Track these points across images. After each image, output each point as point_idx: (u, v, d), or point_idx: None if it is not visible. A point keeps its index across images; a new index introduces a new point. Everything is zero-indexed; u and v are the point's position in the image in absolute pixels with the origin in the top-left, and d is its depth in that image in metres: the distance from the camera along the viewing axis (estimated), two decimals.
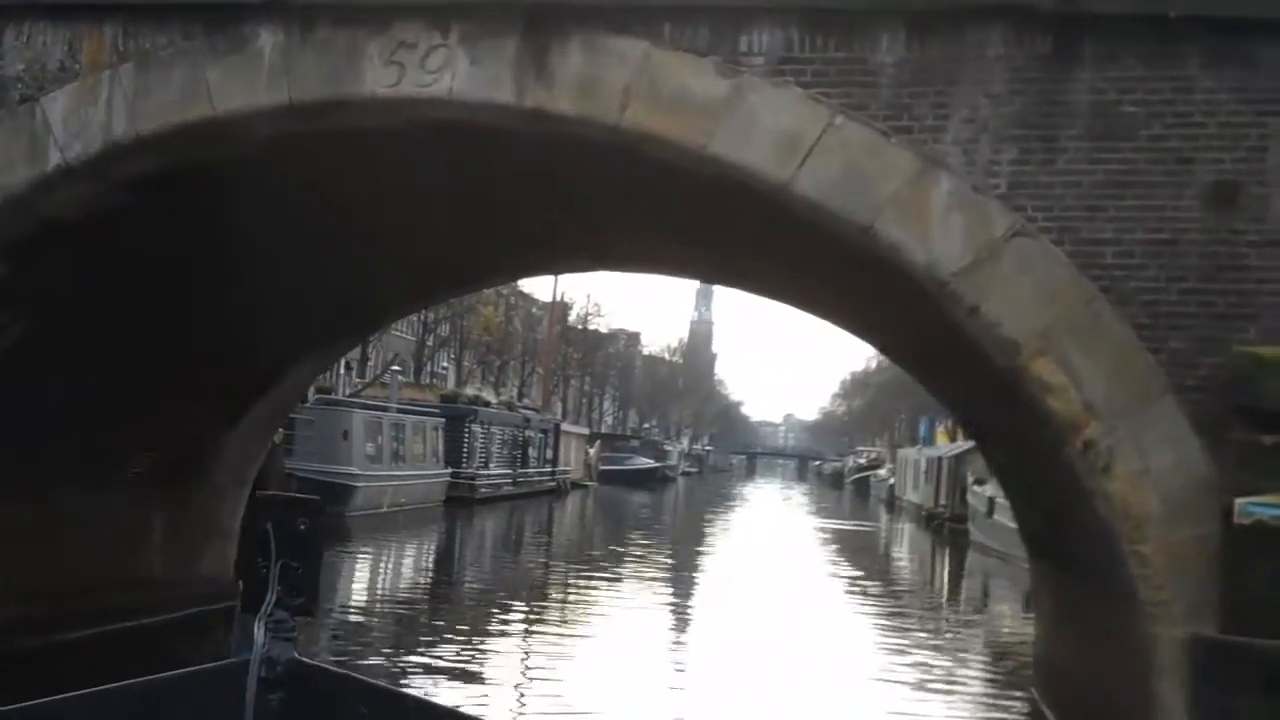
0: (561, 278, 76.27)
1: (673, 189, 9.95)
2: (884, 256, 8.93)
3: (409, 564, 31.15)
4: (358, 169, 11.19)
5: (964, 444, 60.64)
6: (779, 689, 16.23)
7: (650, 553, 37.07)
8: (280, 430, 17.68)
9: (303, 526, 5.65)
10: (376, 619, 20.60)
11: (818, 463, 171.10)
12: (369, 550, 31.82)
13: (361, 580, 26.15)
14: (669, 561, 35.24)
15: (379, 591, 25.11)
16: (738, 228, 10.88)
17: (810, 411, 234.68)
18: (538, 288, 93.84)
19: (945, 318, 9.25)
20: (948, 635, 24.39)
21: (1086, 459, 8.42)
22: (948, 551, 46.27)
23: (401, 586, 26.23)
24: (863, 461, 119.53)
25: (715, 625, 22.61)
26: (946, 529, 51.55)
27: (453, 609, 23.04)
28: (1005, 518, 38.79)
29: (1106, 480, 8.36)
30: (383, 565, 30.12)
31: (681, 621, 23.42)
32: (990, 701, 16.41)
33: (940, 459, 58.28)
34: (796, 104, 9.14)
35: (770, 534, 51.26)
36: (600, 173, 10.39)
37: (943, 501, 55.46)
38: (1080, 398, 8.56)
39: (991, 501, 41.34)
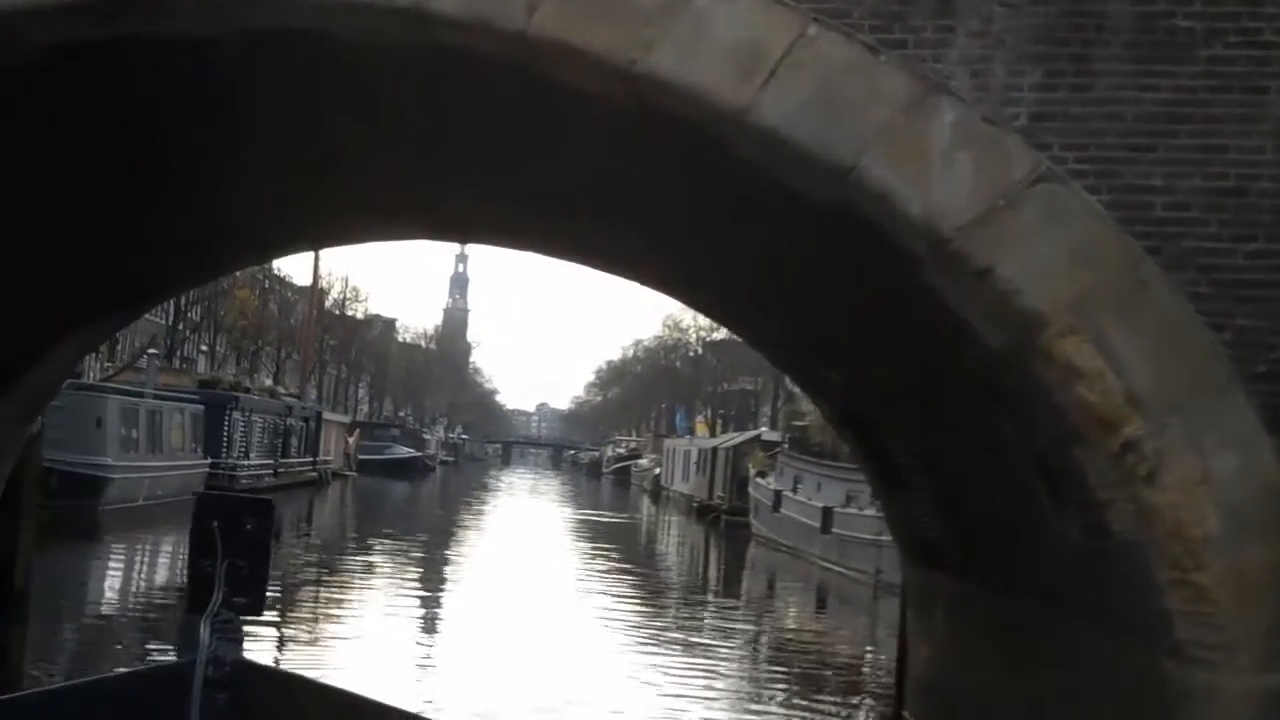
0: (314, 258, 74.25)
1: (581, 132, 8.07)
2: (864, 211, 7.12)
3: (164, 563, 28.66)
4: (156, 98, 8.88)
5: (738, 435, 60.16)
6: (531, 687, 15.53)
7: (418, 547, 35.94)
8: (40, 419, 15.21)
9: (249, 526, 5.54)
10: (127, 625, 18.73)
11: (572, 452, 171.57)
12: (121, 547, 29.33)
13: (113, 582, 23.72)
14: (438, 555, 34.41)
15: (131, 594, 22.75)
16: (658, 192, 8.98)
17: (563, 401, 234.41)
18: (295, 270, 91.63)
19: (898, 288, 7.59)
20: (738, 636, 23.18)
21: (1122, 465, 6.69)
22: (723, 545, 45.37)
23: (157, 588, 23.79)
24: (622, 451, 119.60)
25: (477, 624, 21.58)
26: (723, 522, 50.64)
27: None
28: (796, 512, 37.87)
29: (1149, 491, 6.63)
30: (137, 563, 27.65)
31: (447, 619, 22.57)
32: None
33: (715, 450, 57.46)
34: (758, 8, 7.22)
35: (536, 524, 50.00)
36: (482, 112, 8.45)
37: (719, 493, 54.55)
38: (1121, 387, 6.81)
39: (778, 495, 40.44)
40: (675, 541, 49.71)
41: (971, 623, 10.66)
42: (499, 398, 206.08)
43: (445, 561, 33.02)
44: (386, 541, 36.32)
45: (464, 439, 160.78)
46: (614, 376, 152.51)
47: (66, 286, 13.03)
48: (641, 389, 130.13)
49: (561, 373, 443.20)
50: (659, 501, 75.95)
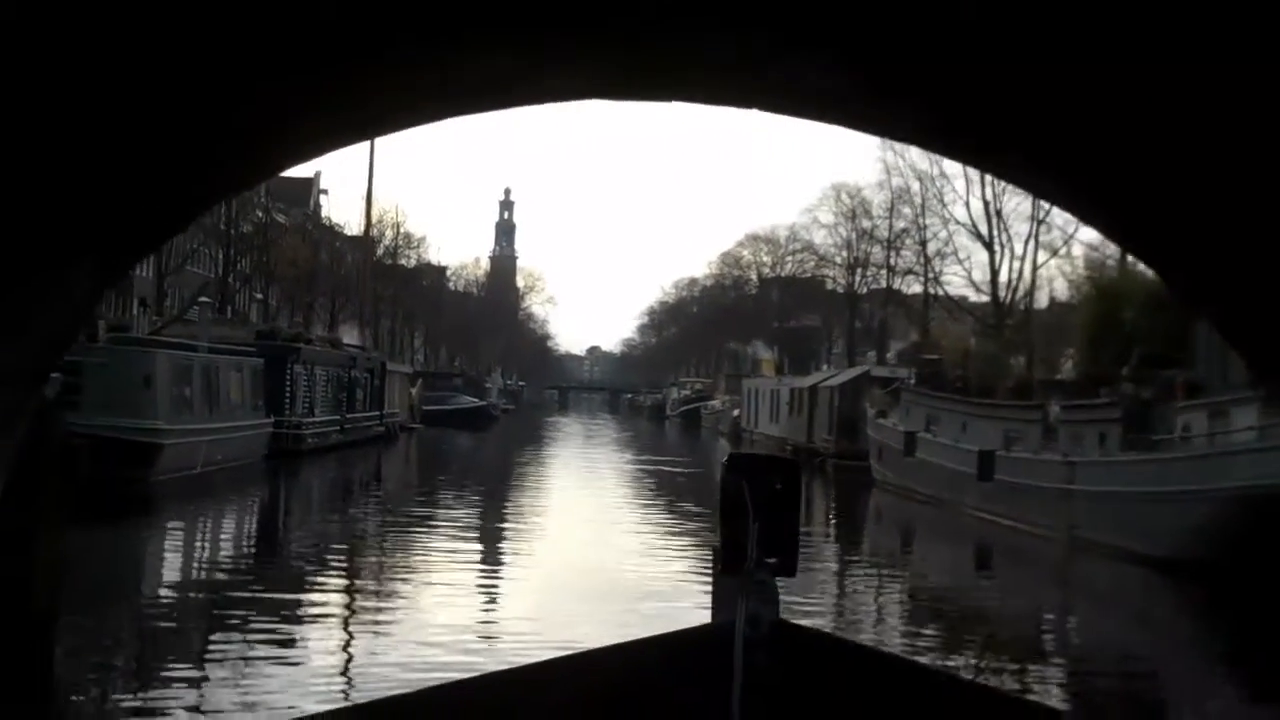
0: (367, 203, 70.73)
1: None
2: None
3: (231, 543, 24.55)
4: None
5: (846, 371, 55.59)
6: None
7: (509, 506, 32.86)
8: (57, 377, 10.78)
9: (778, 485, 5.58)
10: (187, 638, 14.46)
11: (630, 395, 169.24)
12: (179, 526, 25.22)
13: (170, 573, 19.55)
14: (533, 512, 31.44)
15: (194, 586, 18.53)
16: None
17: (614, 344, 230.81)
18: (344, 219, 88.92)
19: None
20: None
21: None
22: (836, 493, 40.92)
23: (226, 578, 19.44)
24: (688, 393, 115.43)
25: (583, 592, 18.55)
26: (831, 467, 46.13)
27: (307, 595, 16.84)
28: (938, 456, 33.27)
29: None
30: (200, 546, 23.47)
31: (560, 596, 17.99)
32: None
33: (814, 389, 52.86)
34: None
35: (623, 474, 45.97)
36: None
37: (823, 436, 49.99)
38: None
39: (910, 437, 35.79)
40: None
41: None
42: (550, 344, 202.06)
43: (557, 533, 28.67)
44: (477, 501, 32.89)
45: (521, 386, 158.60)
46: (669, 317, 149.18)
47: (77, 187, 8.65)
48: (699, 328, 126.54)
49: (610, 316, 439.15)
50: (740, 445, 71.60)
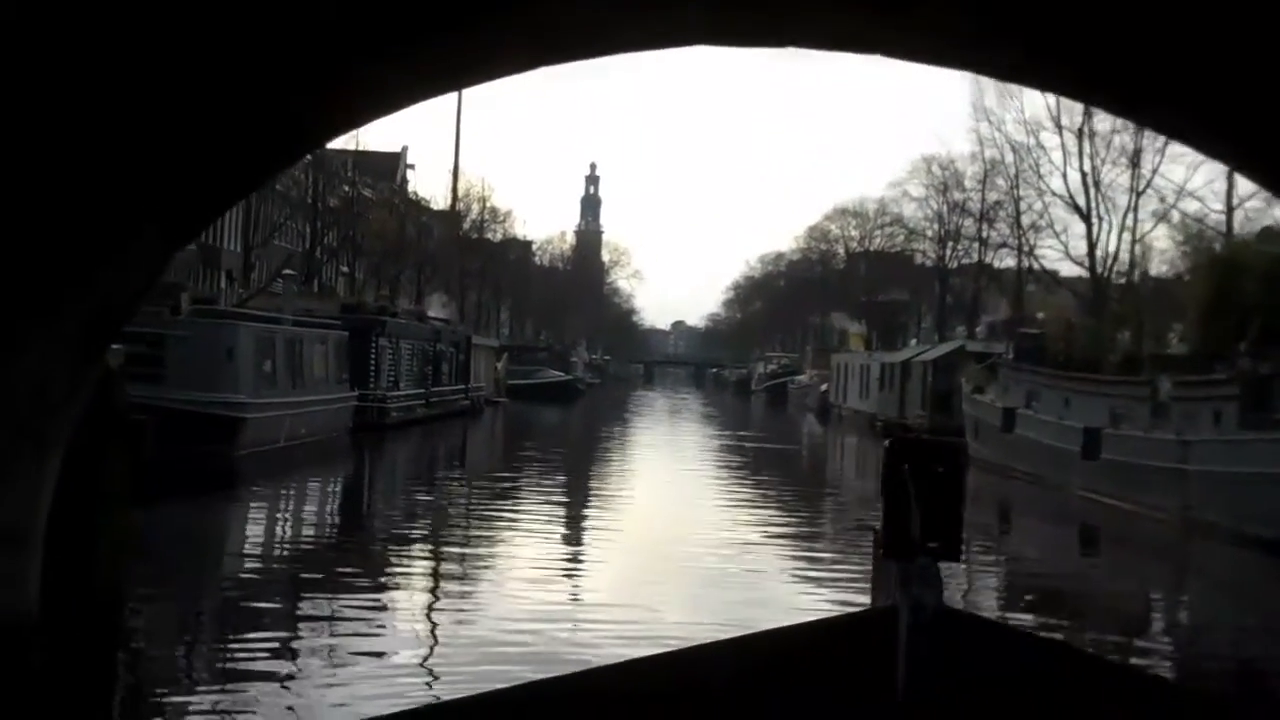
0: (453, 176, 70.59)
1: None
2: None
3: (311, 520, 24.01)
4: None
5: (938, 346, 54.38)
6: None
7: (597, 483, 32.30)
8: (120, 349, 10.07)
9: (941, 469, 5.53)
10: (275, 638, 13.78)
11: (715, 370, 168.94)
12: (262, 501, 24.74)
13: (251, 556, 18.87)
14: (621, 490, 31.12)
15: (275, 559, 17.90)
16: None
17: (698, 319, 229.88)
18: (430, 193, 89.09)
19: None
20: None
21: None
22: None
23: (307, 555, 18.82)
24: (774, 367, 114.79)
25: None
26: None
27: (394, 575, 16.20)
28: (1040, 433, 32.10)
29: None
30: (282, 523, 22.89)
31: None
32: None
33: (907, 364, 51.69)
34: None
35: (716, 454, 45.04)
36: None
37: (917, 411, 48.82)
38: None
39: (1009, 414, 34.61)
40: (865, 465, 44.46)
41: None
42: (635, 318, 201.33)
43: (648, 512, 27.86)
44: (564, 478, 32.25)
45: (606, 360, 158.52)
46: (754, 292, 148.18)
47: (145, 141, 7.96)
48: (785, 303, 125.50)
49: (695, 291, 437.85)
50: (828, 421, 70.45)
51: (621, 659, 6.42)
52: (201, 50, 7.63)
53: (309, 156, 58.00)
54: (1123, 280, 49.40)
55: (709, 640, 5.77)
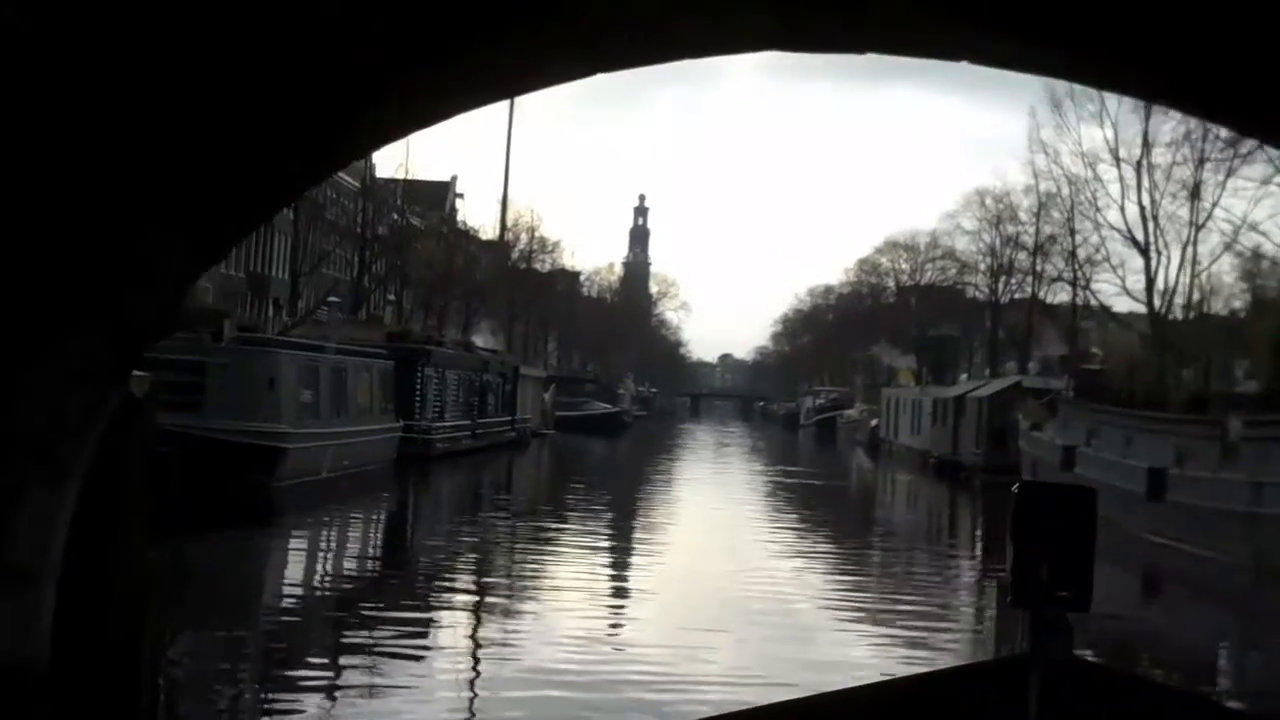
0: (502, 207, 70.33)
1: None
2: None
3: (353, 553, 23.44)
4: None
5: (993, 382, 53.43)
6: None
7: (643, 520, 31.62)
8: (146, 375, 9.47)
9: (1071, 515, 5.35)
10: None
11: (762, 403, 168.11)
12: (303, 532, 24.12)
13: (291, 597, 18.21)
14: (668, 528, 30.24)
15: (315, 595, 17.24)
16: None
17: (746, 352, 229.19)
18: (479, 223, 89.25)
19: None
20: None
21: None
22: (983, 509, 38.77)
23: (347, 590, 18.15)
24: (823, 401, 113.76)
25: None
26: (978, 482, 43.98)
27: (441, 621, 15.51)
28: (1101, 472, 31.10)
29: None
30: (323, 561, 22.20)
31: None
32: None
33: (962, 399, 50.71)
34: None
35: (764, 487, 44.15)
36: None
37: (972, 449, 47.82)
38: None
39: (1069, 452, 33.66)
40: (919, 503, 43.50)
41: None
42: (682, 350, 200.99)
43: (695, 552, 27.09)
44: (610, 514, 31.43)
45: (653, 392, 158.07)
46: (803, 325, 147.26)
47: (173, 151, 7.37)
48: (834, 337, 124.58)
49: (743, 323, 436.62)
50: (877, 456, 69.45)
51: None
52: (242, 51, 7.06)
53: (358, 184, 57.87)
54: (1182, 315, 48.30)
55: (837, 689, 5.84)
